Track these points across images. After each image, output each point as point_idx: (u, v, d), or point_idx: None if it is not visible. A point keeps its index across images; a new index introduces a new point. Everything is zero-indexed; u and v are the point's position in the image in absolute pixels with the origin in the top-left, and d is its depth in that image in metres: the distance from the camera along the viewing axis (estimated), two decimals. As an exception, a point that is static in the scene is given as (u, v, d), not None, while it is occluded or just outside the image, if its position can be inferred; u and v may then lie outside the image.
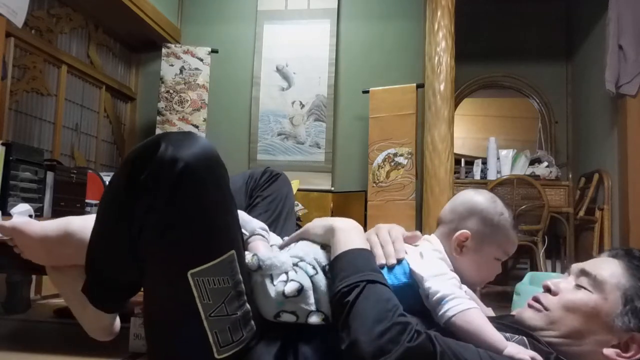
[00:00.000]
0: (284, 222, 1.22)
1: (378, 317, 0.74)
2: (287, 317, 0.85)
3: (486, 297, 3.28)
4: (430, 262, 0.89)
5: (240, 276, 0.83)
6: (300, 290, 0.84)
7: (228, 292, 0.81)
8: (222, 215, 0.83)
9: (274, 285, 0.85)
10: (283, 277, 0.87)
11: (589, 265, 0.91)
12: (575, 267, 0.93)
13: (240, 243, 0.87)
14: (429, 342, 0.73)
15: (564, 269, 3.72)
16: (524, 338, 0.85)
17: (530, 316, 0.91)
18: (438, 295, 0.83)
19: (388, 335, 0.72)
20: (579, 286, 0.89)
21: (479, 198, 0.96)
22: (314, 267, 0.89)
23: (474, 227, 0.93)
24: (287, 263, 0.88)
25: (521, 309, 0.94)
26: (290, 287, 0.84)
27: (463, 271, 0.92)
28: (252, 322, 0.84)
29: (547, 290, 0.93)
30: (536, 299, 0.92)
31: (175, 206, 0.77)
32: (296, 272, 0.88)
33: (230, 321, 0.82)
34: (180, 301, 0.80)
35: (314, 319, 0.84)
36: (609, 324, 0.84)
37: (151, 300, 0.86)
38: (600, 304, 0.85)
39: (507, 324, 0.92)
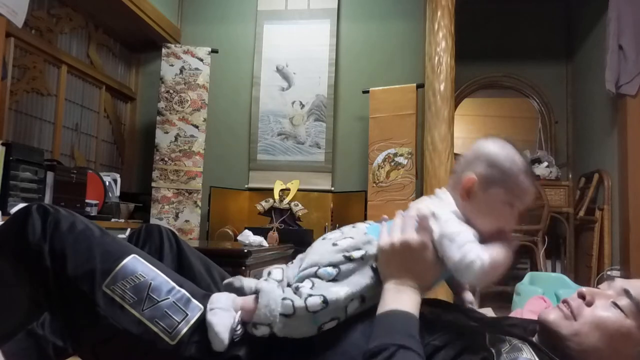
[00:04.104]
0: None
1: None
2: (330, 325, 0.84)
3: (486, 297, 3.28)
4: (445, 222, 0.85)
5: (157, 269, 0.90)
6: (326, 301, 0.82)
7: (147, 284, 0.86)
8: (98, 234, 0.92)
9: (295, 309, 0.83)
10: (294, 297, 0.84)
11: (634, 287, 0.85)
12: (620, 283, 0.87)
13: (138, 251, 0.93)
14: None
15: (564, 269, 3.72)
16: (518, 343, 0.83)
17: (556, 320, 0.86)
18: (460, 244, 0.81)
19: None
20: (615, 305, 0.84)
21: (489, 143, 0.91)
22: (333, 267, 0.86)
23: (480, 171, 0.87)
24: (273, 297, 0.84)
25: (546, 310, 0.89)
26: (312, 302, 0.82)
27: (473, 219, 0.88)
28: (195, 301, 0.88)
29: (582, 297, 0.87)
30: (567, 303, 0.87)
31: (57, 242, 0.88)
32: (312, 284, 0.85)
33: (165, 306, 0.85)
34: (110, 315, 0.84)
35: (352, 308, 0.85)
36: (634, 354, 0.82)
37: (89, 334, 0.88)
38: (632, 332, 0.82)
39: (505, 326, 0.90)
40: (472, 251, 0.80)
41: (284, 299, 0.83)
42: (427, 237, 0.84)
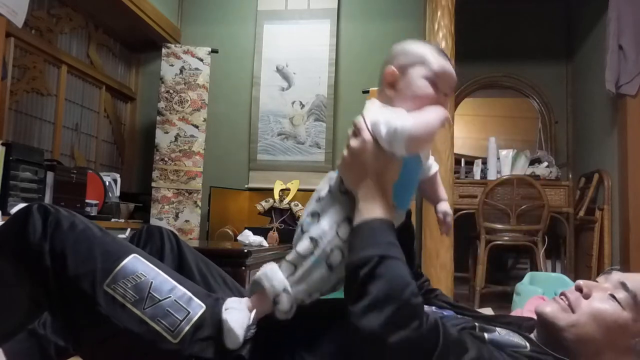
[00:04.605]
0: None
1: (388, 297, 0.71)
2: (337, 258, 0.84)
3: (486, 297, 3.28)
4: (372, 114, 0.87)
5: (157, 268, 0.89)
6: (313, 239, 0.84)
7: (149, 282, 0.86)
8: (99, 234, 0.91)
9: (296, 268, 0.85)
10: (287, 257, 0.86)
11: (631, 280, 0.86)
12: (616, 276, 0.89)
13: (139, 251, 0.93)
14: (436, 333, 0.72)
15: (564, 269, 3.72)
16: (509, 333, 0.85)
17: (553, 311, 0.87)
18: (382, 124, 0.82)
19: (395, 317, 0.70)
20: (612, 297, 0.85)
21: (400, 43, 0.93)
22: (312, 216, 0.89)
23: (397, 62, 0.90)
24: (268, 269, 0.87)
25: (543, 303, 0.91)
26: (303, 246, 0.85)
27: (404, 107, 0.88)
28: (196, 300, 0.88)
29: (579, 290, 0.88)
30: (564, 296, 0.88)
31: (57, 241, 0.87)
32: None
33: (166, 304, 0.85)
34: (112, 313, 0.84)
35: (344, 232, 0.85)
36: (630, 346, 0.83)
37: (92, 332, 0.88)
38: (629, 325, 0.83)
39: (500, 323, 0.91)
40: (395, 121, 0.81)
41: (279, 265, 0.86)
42: (365, 134, 0.84)
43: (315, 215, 0.88)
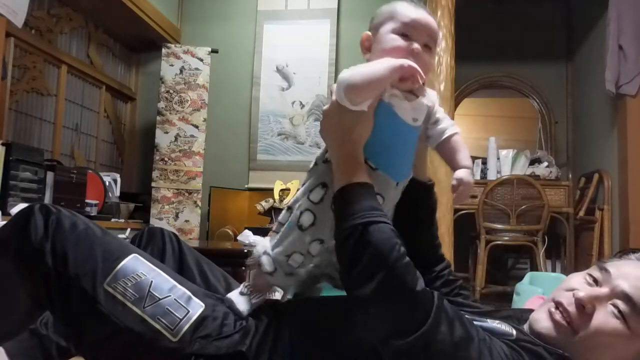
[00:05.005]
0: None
1: (377, 263, 0.72)
2: (307, 219, 0.86)
3: (486, 297, 3.28)
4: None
5: (157, 268, 0.91)
6: (289, 207, 0.90)
7: (149, 282, 0.87)
8: (100, 234, 0.92)
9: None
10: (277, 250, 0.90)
11: (635, 290, 0.81)
12: (618, 283, 0.82)
13: (139, 251, 0.94)
14: (429, 302, 0.72)
15: (564, 269, 3.72)
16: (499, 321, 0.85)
17: (552, 332, 0.83)
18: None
19: (385, 283, 0.71)
20: (615, 313, 0.81)
21: None
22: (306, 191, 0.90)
23: (370, 26, 0.93)
24: (258, 247, 0.93)
25: (538, 312, 0.86)
26: (281, 215, 0.92)
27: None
28: (196, 299, 0.89)
29: (580, 305, 0.82)
30: (561, 307, 0.83)
31: (59, 241, 0.88)
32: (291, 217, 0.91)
33: (166, 303, 0.86)
34: (112, 312, 0.84)
35: (316, 195, 0.87)
36: (631, 356, 0.82)
37: (92, 332, 0.89)
38: (632, 340, 0.81)
39: (499, 316, 0.91)
40: (343, 73, 0.82)
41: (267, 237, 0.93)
42: (333, 95, 0.85)
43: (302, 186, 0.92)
